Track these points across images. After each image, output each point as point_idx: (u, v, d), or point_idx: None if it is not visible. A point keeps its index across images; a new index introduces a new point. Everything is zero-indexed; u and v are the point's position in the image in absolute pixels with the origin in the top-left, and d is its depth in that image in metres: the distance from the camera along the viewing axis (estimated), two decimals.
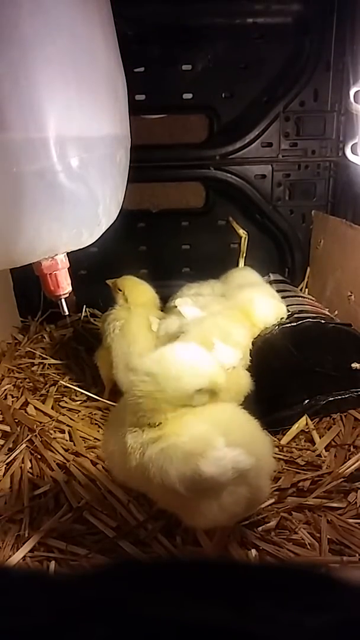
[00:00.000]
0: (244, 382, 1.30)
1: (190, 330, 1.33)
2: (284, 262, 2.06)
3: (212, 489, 0.85)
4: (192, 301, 1.50)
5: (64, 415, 1.46)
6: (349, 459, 1.23)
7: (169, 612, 0.31)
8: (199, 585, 0.35)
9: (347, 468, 1.20)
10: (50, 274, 0.98)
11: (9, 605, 0.32)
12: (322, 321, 1.41)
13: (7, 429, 1.39)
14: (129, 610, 0.31)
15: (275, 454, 1.16)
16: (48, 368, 1.73)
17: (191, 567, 0.40)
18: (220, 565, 0.42)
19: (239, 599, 0.33)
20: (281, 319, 1.41)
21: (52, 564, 1.00)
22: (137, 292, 1.56)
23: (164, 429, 0.86)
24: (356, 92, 1.64)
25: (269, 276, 1.85)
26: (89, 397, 1.54)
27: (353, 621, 0.31)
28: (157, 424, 0.86)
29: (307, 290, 2.03)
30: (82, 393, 1.56)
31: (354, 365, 1.38)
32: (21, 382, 1.63)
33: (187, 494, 0.83)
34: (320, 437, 1.33)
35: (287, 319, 1.42)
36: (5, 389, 1.59)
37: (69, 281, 1.01)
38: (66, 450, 1.30)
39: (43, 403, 1.52)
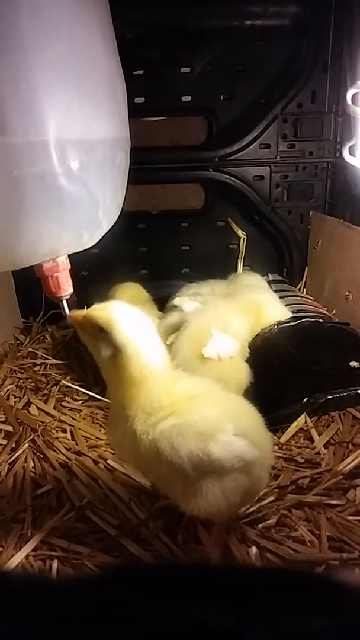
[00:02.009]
0: (244, 374, 1.31)
1: (191, 321, 1.35)
2: (283, 262, 2.08)
3: (215, 471, 0.87)
4: (190, 300, 1.52)
5: (66, 414, 1.47)
6: (348, 456, 1.24)
7: (170, 615, 0.32)
8: (200, 588, 0.35)
9: (346, 465, 1.20)
10: (51, 275, 0.99)
11: (12, 609, 0.33)
12: (321, 320, 1.42)
13: (10, 428, 1.40)
14: (131, 614, 0.32)
15: (275, 452, 1.17)
16: (50, 368, 1.74)
17: (192, 570, 0.40)
18: (221, 568, 0.42)
19: (240, 603, 0.33)
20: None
21: (55, 563, 1.00)
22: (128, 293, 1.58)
23: (176, 407, 0.88)
24: (354, 94, 1.65)
25: (268, 276, 1.86)
26: (90, 397, 1.55)
27: (354, 626, 0.31)
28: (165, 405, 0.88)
29: (305, 290, 2.04)
30: (83, 393, 1.57)
31: (352, 363, 1.39)
32: (23, 383, 1.65)
33: (192, 473, 0.85)
34: (319, 435, 1.34)
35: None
36: (8, 389, 1.60)
37: (70, 283, 1.02)
38: (68, 450, 1.31)
39: (45, 403, 1.53)
